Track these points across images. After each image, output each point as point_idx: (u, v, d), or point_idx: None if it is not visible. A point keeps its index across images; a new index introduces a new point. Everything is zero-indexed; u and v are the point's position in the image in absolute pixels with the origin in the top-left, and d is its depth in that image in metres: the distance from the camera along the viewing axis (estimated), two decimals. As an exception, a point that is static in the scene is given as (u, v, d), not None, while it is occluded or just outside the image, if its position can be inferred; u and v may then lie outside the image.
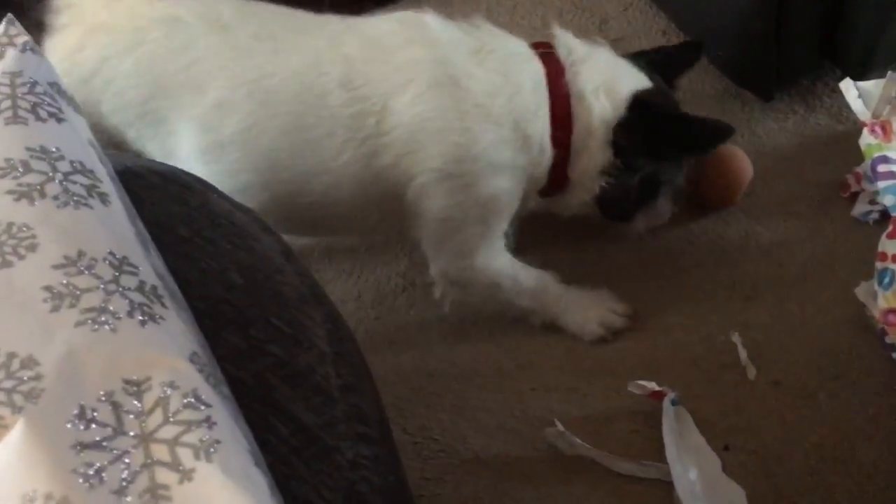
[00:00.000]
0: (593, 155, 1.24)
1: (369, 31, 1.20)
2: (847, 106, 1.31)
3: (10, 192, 0.56)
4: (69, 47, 1.14)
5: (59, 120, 0.65)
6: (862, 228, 1.39)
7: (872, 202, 1.37)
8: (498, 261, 1.28)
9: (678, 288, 1.37)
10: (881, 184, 1.21)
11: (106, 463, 0.45)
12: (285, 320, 0.75)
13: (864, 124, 1.24)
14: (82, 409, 0.46)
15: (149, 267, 0.57)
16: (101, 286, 0.52)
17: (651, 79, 1.27)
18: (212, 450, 0.46)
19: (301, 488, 0.64)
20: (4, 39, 0.70)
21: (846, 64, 1.48)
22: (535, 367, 1.31)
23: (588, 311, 1.31)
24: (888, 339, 1.18)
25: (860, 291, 1.26)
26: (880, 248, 1.19)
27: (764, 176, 1.46)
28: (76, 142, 0.64)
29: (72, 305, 0.51)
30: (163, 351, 0.51)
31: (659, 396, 1.20)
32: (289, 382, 0.71)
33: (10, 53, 0.68)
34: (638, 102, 1.23)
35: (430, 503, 1.18)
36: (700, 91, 1.62)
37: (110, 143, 1.18)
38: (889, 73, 1.22)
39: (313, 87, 1.13)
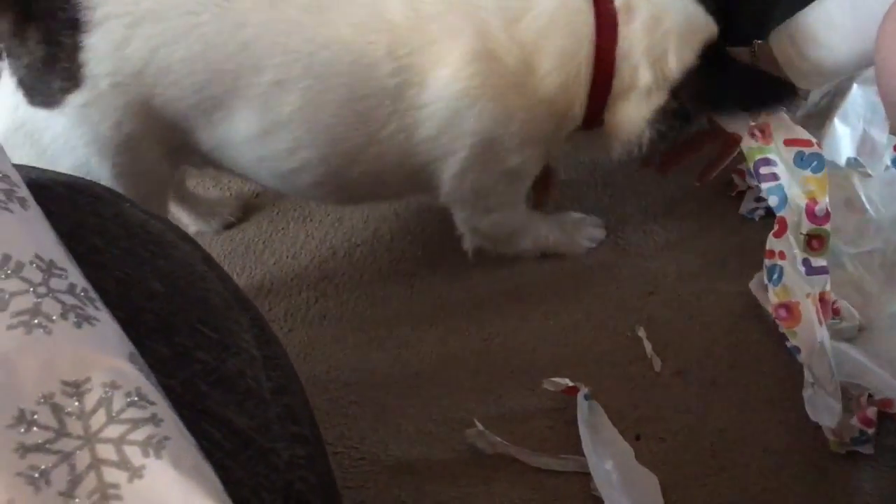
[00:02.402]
0: (640, 106, 1.21)
1: None
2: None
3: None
4: (113, 42, 1.06)
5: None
6: (750, 225, 1.48)
7: (758, 199, 1.46)
8: (518, 211, 1.36)
9: (585, 286, 1.42)
10: (764, 185, 1.28)
11: (50, 465, 0.44)
12: (211, 326, 0.74)
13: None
14: (21, 412, 0.45)
15: (76, 270, 0.56)
16: (31, 289, 0.51)
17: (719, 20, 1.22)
18: (161, 446, 0.46)
19: (239, 492, 0.63)
20: None
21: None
22: (450, 370, 1.33)
23: (573, 233, 1.45)
24: (781, 329, 1.25)
25: (753, 285, 1.34)
26: (768, 246, 1.27)
27: (657, 179, 1.53)
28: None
29: (2, 309, 0.49)
30: (101, 351, 0.50)
31: (573, 392, 1.24)
32: (219, 387, 0.70)
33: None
34: (709, 52, 1.19)
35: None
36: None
37: (156, 140, 1.11)
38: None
39: (363, 57, 1.10)
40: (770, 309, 1.26)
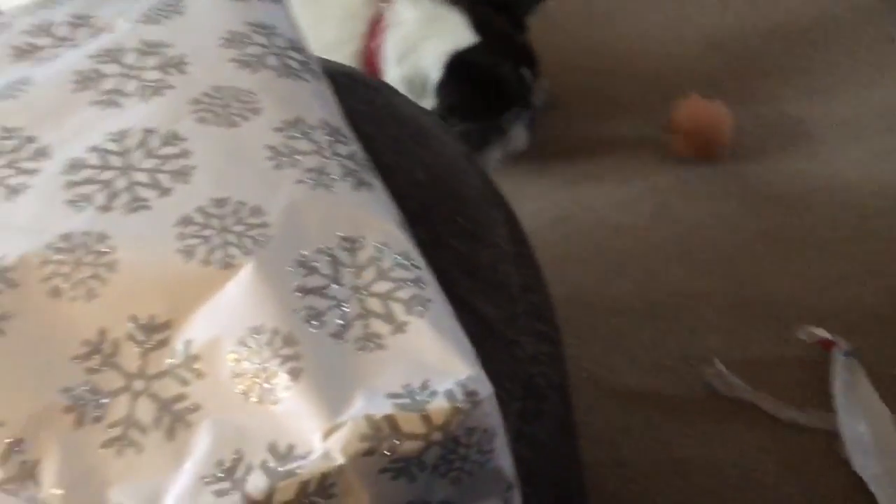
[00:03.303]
0: None
1: None
2: None
3: (234, 59, 0.59)
4: None
5: (275, 0, 0.67)
6: None
7: None
8: None
9: (863, 236, 1.30)
10: None
11: (325, 308, 0.47)
12: (468, 218, 0.76)
13: None
14: (304, 257, 0.48)
15: (357, 145, 0.59)
16: (317, 150, 0.54)
17: (483, 30, 1.31)
18: (424, 307, 0.47)
19: (483, 375, 0.65)
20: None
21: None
22: (696, 306, 1.28)
23: None
24: None
25: None
26: None
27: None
28: (289, 23, 0.66)
29: (293, 165, 0.53)
30: (374, 213, 0.52)
31: (829, 346, 1.15)
32: (471, 276, 0.71)
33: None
34: (451, 68, 1.30)
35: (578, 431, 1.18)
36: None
37: None
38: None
39: None
40: None
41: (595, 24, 1.70)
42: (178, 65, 0.58)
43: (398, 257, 0.50)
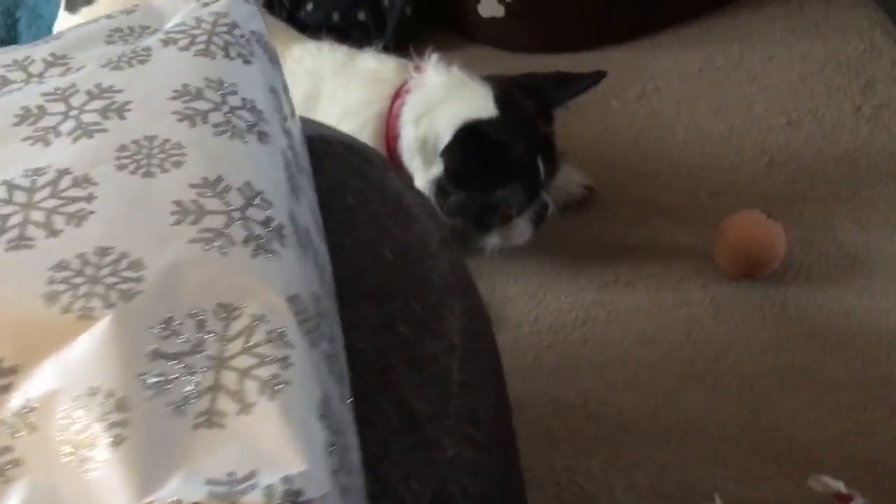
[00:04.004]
0: (420, 174, 1.34)
1: None
2: None
3: (176, 112, 0.58)
4: None
5: (247, 62, 0.67)
6: None
7: None
8: None
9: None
10: None
11: (175, 376, 0.44)
12: (423, 304, 0.73)
13: None
14: (170, 319, 0.46)
15: (284, 209, 0.57)
16: (227, 211, 0.52)
17: (505, 108, 1.30)
18: (277, 388, 0.44)
19: (391, 472, 0.60)
20: (225, -12, 0.74)
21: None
22: (708, 434, 1.19)
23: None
24: None
25: None
26: None
27: None
28: (256, 84, 0.66)
29: (193, 223, 0.51)
30: (264, 284, 0.49)
31: (846, 500, 1.04)
32: (409, 365, 0.68)
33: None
34: (463, 130, 1.28)
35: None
36: None
37: None
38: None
39: None
40: None
41: (655, 128, 1.66)
42: (120, 111, 0.58)
43: (272, 333, 0.47)
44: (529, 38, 1.86)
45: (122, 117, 0.57)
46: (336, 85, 1.38)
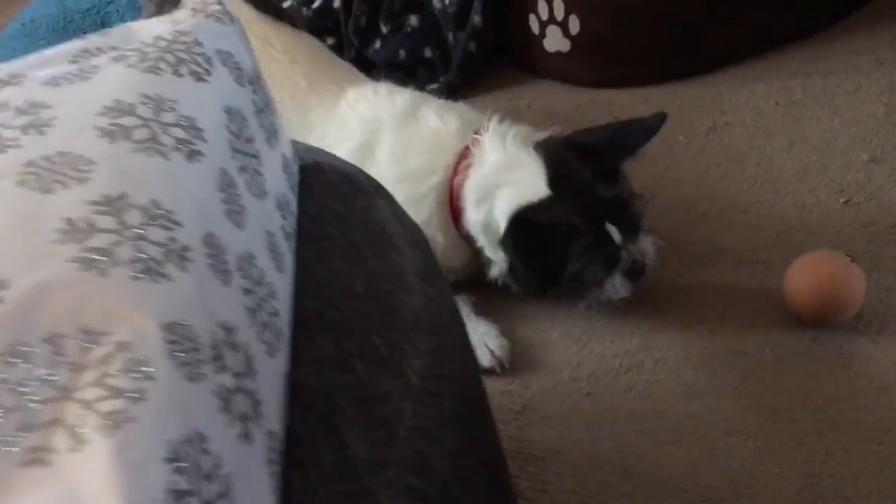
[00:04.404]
0: (489, 250, 1.32)
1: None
2: None
3: (99, 128, 0.55)
4: None
5: (200, 79, 0.64)
6: None
7: None
8: None
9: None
10: None
11: (12, 406, 0.40)
12: (385, 340, 0.67)
13: None
14: (23, 343, 0.42)
15: (198, 231, 0.52)
16: (118, 230, 0.48)
17: (558, 180, 1.25)
18: (118, 426, 0.39)
19: (314, 524, 0.54)
20: (199, 7, 0.72)
21: None
22: (756, 497, 1.07)
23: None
24: None
25: None
26: None
27: None
28: (204, 103, 0.63)
29: (78, 241, 0.47)
30: (139, 309, 0.45)
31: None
32: (357, 406, 0.62)
33: (192, 17, 0.70)
34: (514, 220, 1.25)
35: None
36: None
37: None
38: None
39: None
40: None
41: (723, 165, 1.56)
42: (42, 127, 0.55)
43: (132, 362, 0.42)
44: (595, 73, 1.80)
45: (41, 133, 0.55)
46: (395, 143, 1.36)
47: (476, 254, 1.35)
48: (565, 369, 1.29)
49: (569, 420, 1.22)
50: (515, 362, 1.31)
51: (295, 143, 0.91)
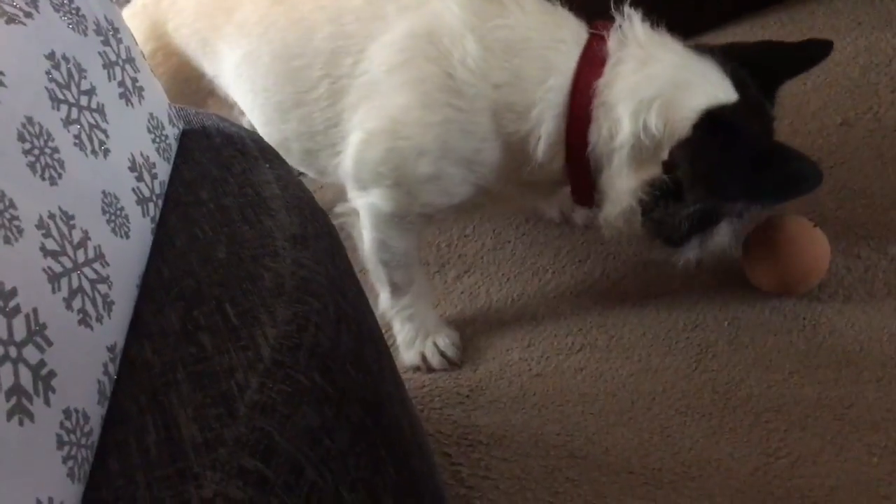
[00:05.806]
0: (624, 175, 1.01)
1: None
2: None
3: None
4: None
5: (11, 21, 0.58)
6: None
7: None
8: (405, 233, 1.15)
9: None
10: None
11: None
12: (239, 309, 0.60)
13: None
14: None
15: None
16: None
17: (741, 88, 0.99)
18: None
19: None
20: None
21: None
22: (707, 479, 1.00)
23: (418, 337, 1.23)
24: None
25: None
26: None
27: None
28: (10, 47, 0.56)
29: None
30: None
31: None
32: (194, 382, 0.55)
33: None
34: (707, 121, 0.96)
35: None
36: None
37: (179, 62, 1.25)
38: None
39: (305, 20, 1.11)
40: None
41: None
42: None
43: None
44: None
45: None
46: (496, 50, 1.01)
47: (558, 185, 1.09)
48: (516, 350, 1.22)
49: (516, 403, 1.16)
50: (466, 346, 1.24)
51: (184, 108, 0.85)
